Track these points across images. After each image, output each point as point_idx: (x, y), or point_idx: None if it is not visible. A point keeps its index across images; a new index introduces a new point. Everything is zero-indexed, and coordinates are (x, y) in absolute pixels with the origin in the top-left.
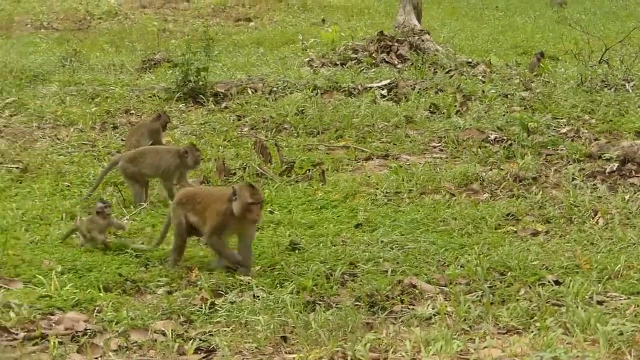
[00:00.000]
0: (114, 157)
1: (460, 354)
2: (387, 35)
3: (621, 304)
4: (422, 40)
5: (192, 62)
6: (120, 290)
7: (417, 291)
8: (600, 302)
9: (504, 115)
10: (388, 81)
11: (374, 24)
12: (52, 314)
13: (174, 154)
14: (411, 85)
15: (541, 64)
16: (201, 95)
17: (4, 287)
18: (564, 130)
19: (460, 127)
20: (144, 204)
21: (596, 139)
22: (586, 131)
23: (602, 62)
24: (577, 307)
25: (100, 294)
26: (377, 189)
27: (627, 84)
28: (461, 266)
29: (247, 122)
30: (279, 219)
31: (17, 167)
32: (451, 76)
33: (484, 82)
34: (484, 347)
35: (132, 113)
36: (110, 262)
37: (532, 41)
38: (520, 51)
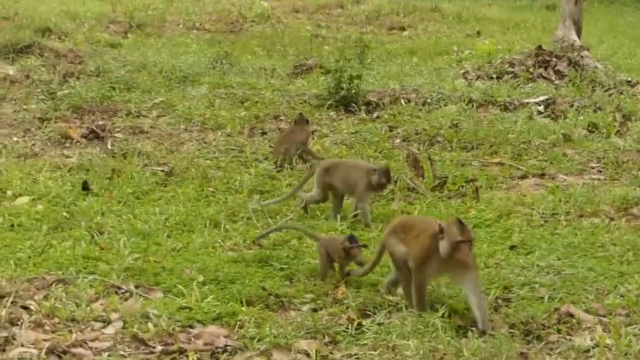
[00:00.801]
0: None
1: None
2: (545, 50)
3: None
4: (582, 57)
5: (345, 70)
6: (263, 305)
7: (574, 320)
8: None
9: None
10: (545, 97)
11: (530, 37)
12: (191, 327)
13: (364, 172)
14: (569, 103)
15: None
16: (353, 104)
17: (144, 296)
18: None
19: (620, 148)
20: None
21: None
22: None
23: None
24: None
25: (242, 308)
26: (533, 209)
27: None
28: (621, 296)
29: (399, 133)
30: None
31: (162, 170)
32: (610, 95)
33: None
34: None
35: (282, 119)
36: (254, 275)
37: None
38: None
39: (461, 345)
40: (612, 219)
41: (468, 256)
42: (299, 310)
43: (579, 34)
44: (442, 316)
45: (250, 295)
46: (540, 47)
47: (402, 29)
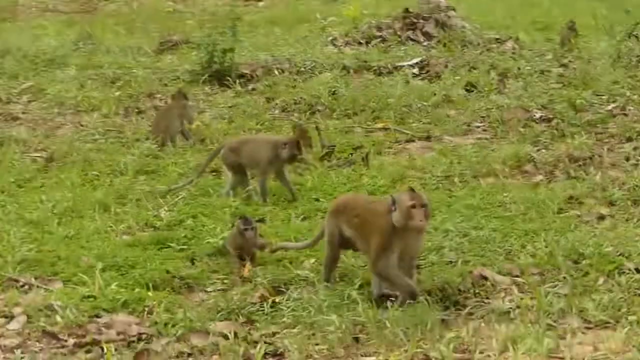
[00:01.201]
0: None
1: (552, 353)
2: (412, 12)
3: None
4: (449, 17)
5: (217, 43)
6: (169, 288)
7: (488, 283)
8: None
9: (545, 92)
10: (418, 60)
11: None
12: (98, 316)
13: (272, 146)
14: (443, 64)
15: (570, 39)
16: (227, 77)
17: (44, 287)
18: (609, 108)
19: (503, 106)
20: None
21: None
22: (632, 108)
23: (632, 36)
24: None
25: (149, 293)
26: (426, 172)
27: None
28: (531, 255)
29: (277, 104)
30: (327, 207)
31: (41, 156)
32: (480, 53)
33: (514, 59)
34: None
35: (157, 97)
36: (154, 258)
37: (551, 16)
38: (541, 26)
39: (383, 317)
40: (506, 177)
41: (422, 222)
42: (207, 291)
43: None
44: (357, 288)
45: (154, 279)
46: (407, 9)
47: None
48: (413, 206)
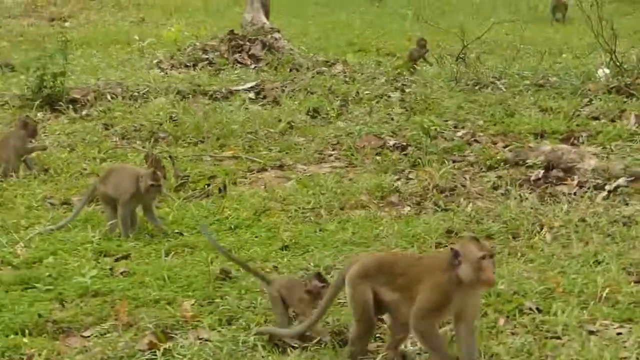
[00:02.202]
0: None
1: None
2: (237, 34)
3: (617, 333)
4: (275, 39)
5: (47, 67)
6: (45, 333)
7: (386, 325)
8: (591, 332)
9: (391, 118)
10: (253, 84)
11: (218, 22)
12: None
13: (133, 177)
14: (279, 88)
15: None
16: (59, 103)
17: None
18: (459, 134)
19: (353, 133)
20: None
21: (494, 142)
22: (482, 134)
23: (460, 60)
24: (574, 339)
25: (25, 340)
26: (289, 204)
27: (497, 82)
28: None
29: (116, 131)
30: (193, 242)
31: None
32: (313, 77)
33: (347, 82)
34: None
35: None
36: (20, 299)
37: (364, 37)
38: (357, 48)
39: None
40: (370, 207)
41: (494, 275)
42: (84, 336)
43: (267, 16)
44: (244, 329)
45: (26, 324)
46: (232, 31)
47: (64, 19)
48: (484, 257)
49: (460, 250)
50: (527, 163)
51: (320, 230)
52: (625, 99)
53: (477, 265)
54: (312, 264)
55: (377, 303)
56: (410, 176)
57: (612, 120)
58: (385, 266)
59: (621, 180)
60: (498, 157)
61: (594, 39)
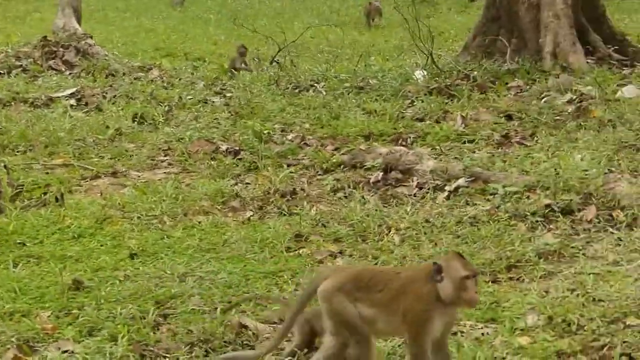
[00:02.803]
0: None
1: None
2: (51, 41)
3: (482, 333)
4: (89, 45)
5: None
6: None
7: (250, 332)
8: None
9: (219, 123)
10: (73, 90)
11: (19, 29)
12: None
13: None
14: (99, 94)
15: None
16: None
17: None
18: (290, 137)
19: (183, 138)
20: None
21: (324, 145)
22: (311, 137)
23: (275, 63)
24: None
25: None
26: (130, 212)
27: (317, 85)
28: (284, 297)
29: None
30: (37, 252)
31: None
32: (131, 83)
33: (166, 87)
34: None
35: None
36: None
37: (170, 42)
38: (164, 53)
39: None
40: (217, 215)
41: (477, 295)
42: None
43: (79, 22)
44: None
45: None
46: (45, 37)
47: None
48: (467, 277)
49: (443, 266)
50: (365, 165)
51: (167, 237)
52: (446, 100)
53: (461, 284)
54: (168, 271)
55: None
56: (248, 180)
57: (437, 121)
58: (362, 281)
59: (461, 181)
60: (334, 160)
61: (399, 41)
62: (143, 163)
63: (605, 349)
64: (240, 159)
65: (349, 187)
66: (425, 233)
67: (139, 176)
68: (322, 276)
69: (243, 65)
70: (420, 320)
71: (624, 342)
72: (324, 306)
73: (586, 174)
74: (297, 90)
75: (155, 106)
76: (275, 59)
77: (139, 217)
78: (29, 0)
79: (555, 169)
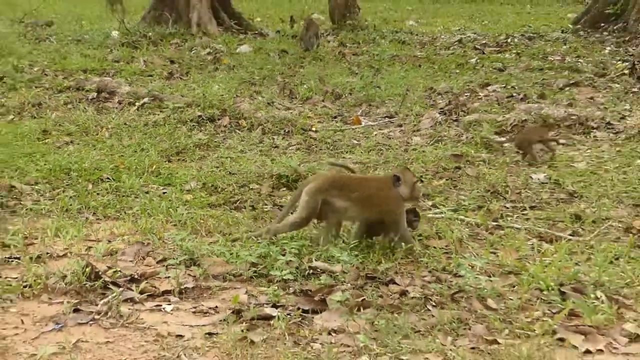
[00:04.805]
0: None
1: None
2: None
3: (164, 192)
4: None
5: None
6: None
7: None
8: (147, 192)
9: None
10: None
11: None
12: None
13: None
14: None
15: None
16: None
17: None
18: (35, 69)
19: None
20: None
21: (56, 75)
22: (49, 70)
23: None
24: (139, 195)
25: None
26: None
27: (50, 38)
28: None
29: None
30: None
31: None
32: None
33: None
34: None
35: None
36: None
37: None
38: None
39: None
40: None
41: (421, 192)
42: None
43: None
44: None
45: None
46: None
47: None
48: (416, 182)
49: (400, 176)
50: (84, 88)
51: None
52: (132, 50)
53: (413, 187)
54: None
55: (323, 209)
56: (9, 96)
57: (128, 63)
58: (336, 183)
59: (146, 99)
60: (65, 85)
61: (102, 12)
62: None
63: (239, 202)
64: (4, 82)
65: (76, 101)
66: (124, 131)
67: None
68: (307, 181)
69: None
70: (398, 213)
71: (250, 198)
72: (304, 198)
73: (222, 97)
74: (37, 41)
75: None
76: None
77: None
78: None
79: (204, 94)
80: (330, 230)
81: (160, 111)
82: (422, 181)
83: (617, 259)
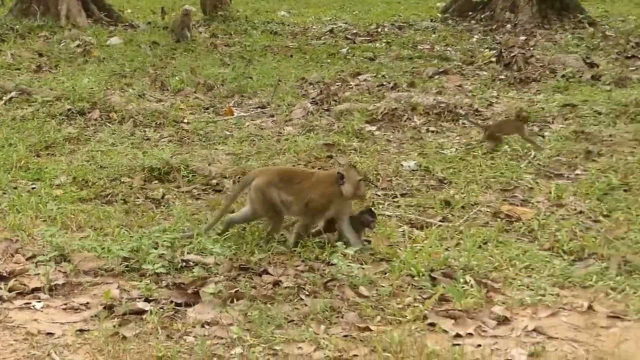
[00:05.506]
0: None
1: None
2: None
3: (34, 187)
4: None
5: None
6: None
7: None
8: None
9: None
10: None
11: None
12: None
13: None
14: None
15: None
16: None
17: None
18: None
19: None
20: None
21: None
22: None
23: None
24: None
25: None
26: None
27: None
28: None
29: None
30: None
31: None
32: None
33: None
34: None
35: None
36: None
37: None
38: None
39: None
40: None
41: (366, 190)
42: None
43: None
44: None
45: None
46: None
47: None
48: (361, 180)
49: (344, 174)
50: None
51: None
52: (0, 43)
53: (357, 185)
54: None
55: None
56: None
57: None
58: (285, 176)
59: (13, 94)
60: None
61: None
62: None
63: (110, 196)
64: None
65: None
66: None
67: None
68: (252, 175)
69: None
70: (317, 208)
71: (122, 192)
72: (257, 195)
73: (92, 90)
74: None
75: None
76: None
77: None
78: None
79: (73, 87)
80: (275, 225)
81: (29, 105)
82: (367, 179)
83: (485, 243)
